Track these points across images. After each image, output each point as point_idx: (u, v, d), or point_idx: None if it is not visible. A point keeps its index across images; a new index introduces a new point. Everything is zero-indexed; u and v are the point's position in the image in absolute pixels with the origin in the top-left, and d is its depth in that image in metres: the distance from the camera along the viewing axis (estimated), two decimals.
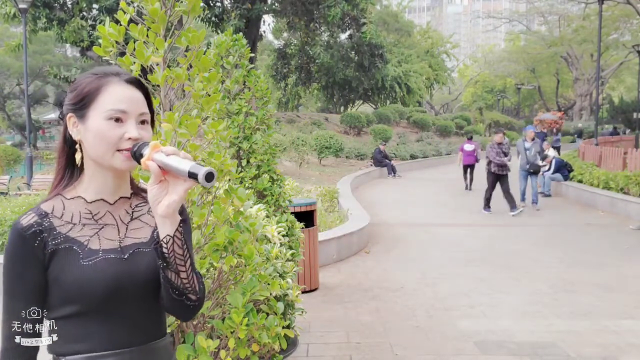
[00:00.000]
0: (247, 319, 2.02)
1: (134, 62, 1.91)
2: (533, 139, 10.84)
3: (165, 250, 1.11)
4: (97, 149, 1.13)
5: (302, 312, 3.71)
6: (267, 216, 3.86)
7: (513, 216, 10.10)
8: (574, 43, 37.61)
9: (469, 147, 14.15)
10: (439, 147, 24.66)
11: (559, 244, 7.65)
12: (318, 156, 17.91)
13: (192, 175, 1.02)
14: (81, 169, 1.20)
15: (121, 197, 1.22)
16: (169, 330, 1.94)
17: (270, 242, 3.27)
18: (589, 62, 39.95)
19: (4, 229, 5.87)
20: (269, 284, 2.28)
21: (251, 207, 2.97)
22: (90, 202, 1.19)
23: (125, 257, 1.16)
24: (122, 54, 1.95)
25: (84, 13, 19.41)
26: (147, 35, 1.91)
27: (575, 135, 30.46)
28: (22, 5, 14.89)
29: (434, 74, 38.45)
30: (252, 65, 4.16)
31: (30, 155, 14.88)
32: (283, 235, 3.73)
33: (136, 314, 1.17)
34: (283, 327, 2.26)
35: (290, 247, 4.08)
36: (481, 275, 6.02)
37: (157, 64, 1.97)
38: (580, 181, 12.48)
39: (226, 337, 2.06)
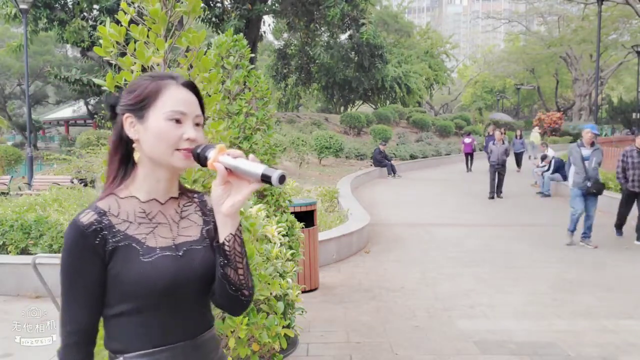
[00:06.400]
0: (247, 318, 2.02)
1: (135, 63, 1.92)
2: (592, 144, 7.45)
3: (227, 248, 1.18)
4: (157, 147, 1.17)
5: (302, 311, 3.72)
6: (267, 216, 3.86)
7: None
8: (573, 43, 37.61)
9: (467, 140, 19.74)
10: (439, 147, 24.65)
11: (559, 244, 7.65)
12: (318, 156, 17.91)
13: (266, 178, 1.07)
14: (132, 168, 1.24)
15: (171, 197, 1.27)
16: None
17: (271, 242, 3.28)
18: (588, 62, 39.97)
19: (5, 228, 5.87)
20: (269, 284, 2.28)
21: (251, 207, 2.98)
22: (144, 202, 1.23)
23: (180, 254, 1.21)
24: (123, 54, 1.96)
25: (85, 13, 19.41)
26: (148, 36, 1.91)
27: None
28: (23, 6, 14.90)
29: (433, 75, 38.43)
30: (252, 66, 4.17)
31: (30, 155, 14.89)
32: (283, 235, 3.74)
33: (188, 309, 1.22)
34: (283, 327, 2.26)
35: (290, 247, 4.09)
36: (481, 275, 6.02)
37: (158, 65, 1.97)
38: None
39: (226, 336, 2.07)
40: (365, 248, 7.42)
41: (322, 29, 26.16)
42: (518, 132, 20.92)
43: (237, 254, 1.19)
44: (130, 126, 1.20)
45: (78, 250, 1.14)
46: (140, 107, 1.19)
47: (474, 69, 56.86)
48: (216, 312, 2.15)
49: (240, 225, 1.20)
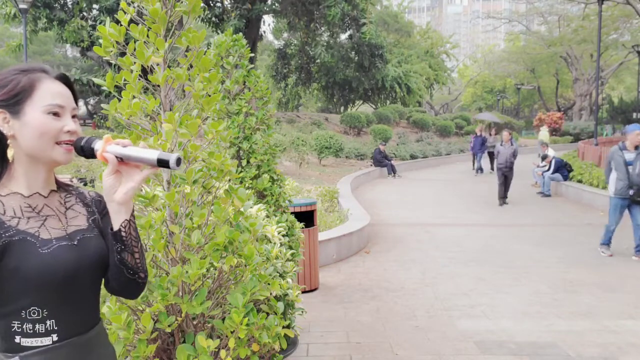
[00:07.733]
0: (247, 318, 2.02)
1: (135, 62, 1.92)
2: (637, 147, 6.69)
3: (124, 234, 1.21)
4: (37, 142, 1.16)
5: (302, 312, 3.72)
6: (267, 216, 3.86)
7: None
8: (573, 43, 37.58)
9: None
10: (439, 147, 24.64)
11: (559, 244, 7.65)
12: (318, 156, 17.90)
13: (162, 162, 1.09)
14: (7, 165, 1.21)
15: (51, 190, 1.26)
16: (169, 329, 1.95)
17: (271, 242, 3.28)
18: (589, 62, 39.94)
19: None
20: (269, 284, 2.28)
21: (251, 207, 2.98)
22: (27, 197, 1.21)
23: (75, 243, 1.21)
24: (123, 54, 1.96)
25: (84, 13, 19.41)
26: (148, 36, 1.91)
27: None
28: (22, 6, 14.91)
29: (433, 74, 38.42)
30: (252, 66, 4.16)
31: None
32: (283, 235, 3.74)
33: (84, 300, 1.23)
34: (283, 327, 2.25)
35: (290, 247, 4.09)
36: (481, 275, 6.02)
37: (158, 64, 1.97)
38: (580, 181, 12.48)
39: (226, 336, 2.06)
40: (365, 248, 7.41)
41: (322, 28, 26.16)
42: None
43: (133, 239, 1.23)
44: (4, 122, 1.17)
45: None
46: (15, 102, 1.16)
47: (474, 69, 56.87)
48: (216, 312, 2.15)
49: (133, 210, 1.23)
